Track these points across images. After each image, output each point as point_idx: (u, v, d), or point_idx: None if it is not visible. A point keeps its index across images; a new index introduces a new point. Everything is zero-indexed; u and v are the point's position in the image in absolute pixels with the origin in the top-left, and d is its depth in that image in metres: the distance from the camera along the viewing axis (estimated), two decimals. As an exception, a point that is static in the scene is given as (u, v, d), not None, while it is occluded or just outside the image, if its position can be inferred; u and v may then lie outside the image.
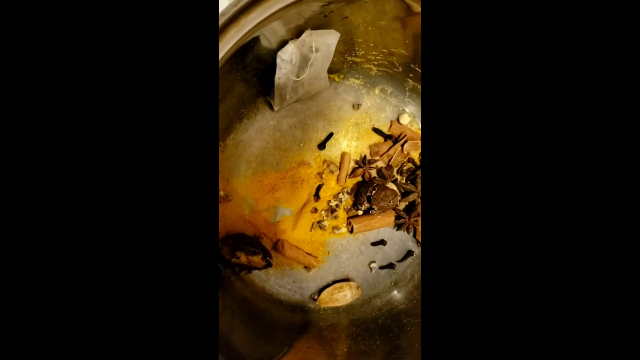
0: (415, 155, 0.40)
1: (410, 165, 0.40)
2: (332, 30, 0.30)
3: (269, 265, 0.36)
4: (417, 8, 0.29)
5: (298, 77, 0.31)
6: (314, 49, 0.30)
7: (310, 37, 0.29)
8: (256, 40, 0.29)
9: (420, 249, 0.41)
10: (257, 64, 0.32)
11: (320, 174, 0.38)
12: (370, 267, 0.40)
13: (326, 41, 0.30)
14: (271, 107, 0.36)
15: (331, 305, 0.39)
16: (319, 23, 0.30)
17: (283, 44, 0.30)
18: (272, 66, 0.31)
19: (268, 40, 0.30)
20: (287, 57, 0.30)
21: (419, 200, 0.40)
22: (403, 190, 0.40)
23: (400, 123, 0.40)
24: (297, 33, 0.30)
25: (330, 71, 0.36)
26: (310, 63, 0.31)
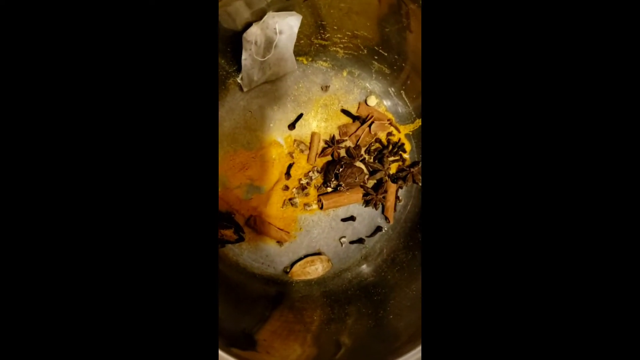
0: (382, 135, 0.42)
1: (377, 145, 0.42)
2: (294, 12, 0.32)
3: (241, 239, 0.38)
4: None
5: (263, 58, 0.33)
6: (277, 31, 0.31)
7: (272, 19, 0.31)
8: (221, 23, 0.31)
9: (388, 224, 0.43)
10: (224, 46, 0.34)
11: (290, 154, 0.40)
12: (340, 242, 0.42)
13: (289, 23, 0.32)
14: (241, 89, 0.38)
15: (303, 278, 0.41)
16: (281, 6, 0.31)
17: (247, 26, 0.32)
18: (238, 48, 0.33)
19: (233, 22, 0.31)
20: (251, 39, 0.31)
21: (386, 178, 0.42)
22: (371, 169, 0.42)
23: (367, 105, 0.41)
24: (260, 15, 0.31)
25: (298, 54, 0.38)
26: (274, 44, 0.32)
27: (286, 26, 0.32)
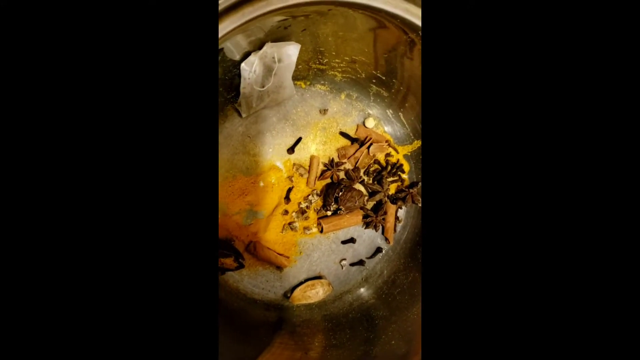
0: (381, 157, 0.42)
1: (376, 166, 0.42)
2: (293, 42, 0.32)
3: (241, 266, 0.38)
4: (386, 23, 0.30)
5: (263, 87, 0.33)
6: (276, 60, 0.31)
7: (271, 49, 0.31)
8: (221, 52, 0.30)
9: (388, 246, 0.43)
10: (223, 75, 0.33)
11: (290, 177, 0.40)
12: (341, 265, 0.42)
13: (287, 52, 0.32)
14: (239, 114, 0.37)
15: (304, 302, 0.41)
16: (280, 35, 0.31)
17: (246, 55, 0.32)
18: (237, 76, 0.33)
19: (232, 52, 0.31)
20: (250, 68, 0.31)
21: (386, 199, 0.42)
22: (370, 191, 0.42)
23: (366, 127, 0.41)
24: (259, 45, 0.31)
25: (297, 78, 0.38)
26: (273, 73, 0.32)
27: (285, 55, 0.32)
